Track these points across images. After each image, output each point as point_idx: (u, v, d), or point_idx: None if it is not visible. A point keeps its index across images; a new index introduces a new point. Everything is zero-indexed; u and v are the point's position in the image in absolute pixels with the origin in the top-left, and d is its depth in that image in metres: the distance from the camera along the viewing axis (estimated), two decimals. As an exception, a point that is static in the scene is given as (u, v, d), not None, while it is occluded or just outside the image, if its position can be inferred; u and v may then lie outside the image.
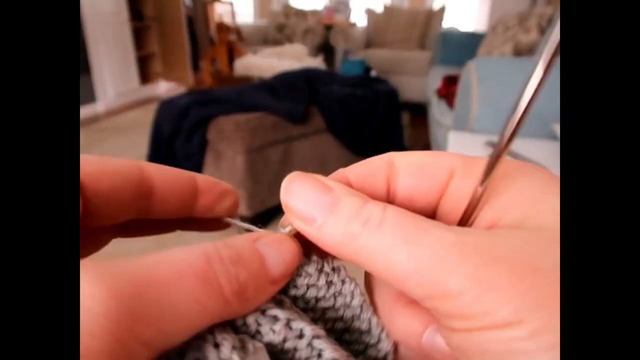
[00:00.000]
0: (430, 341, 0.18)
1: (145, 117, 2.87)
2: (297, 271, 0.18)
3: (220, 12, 5.18)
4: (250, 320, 0.17)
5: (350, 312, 0.19)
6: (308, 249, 0.19)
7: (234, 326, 0.17)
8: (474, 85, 1.41)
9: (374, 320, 0.19)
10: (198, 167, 1.95)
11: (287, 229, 0.19)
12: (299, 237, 0.18)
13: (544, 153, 1.14)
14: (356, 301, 0.19)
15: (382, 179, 0.21)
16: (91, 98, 3.71)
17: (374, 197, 0.19)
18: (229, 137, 1.83)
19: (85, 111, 3.61)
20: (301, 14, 5.07)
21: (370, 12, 4.80)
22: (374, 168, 0.21)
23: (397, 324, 0.19)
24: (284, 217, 0.20)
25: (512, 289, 0.14)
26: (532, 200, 0.17)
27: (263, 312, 0.17)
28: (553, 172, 0.18)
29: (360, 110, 2.26)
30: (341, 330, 0.19)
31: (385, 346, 0.19)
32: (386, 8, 4.79)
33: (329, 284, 0.19)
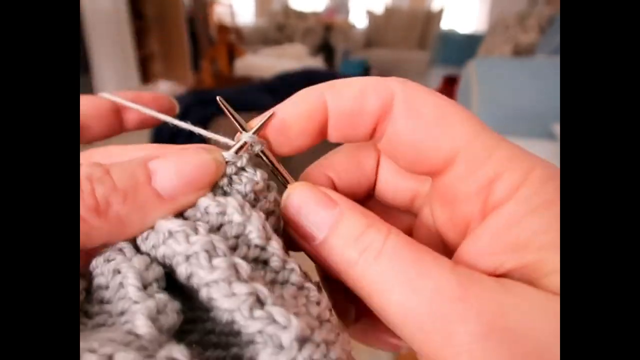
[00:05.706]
0: None
1: (145, 117, 2.86)
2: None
3: (220, 12, 5.18)
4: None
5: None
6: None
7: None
8: (474, 86, 1.41)
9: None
10: (198, 167, 1.94)
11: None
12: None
13: (544, 153, 1.14)
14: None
15: (370, 167, 0.21)
16: (91, 98, 3.70)
17: (362, 187, 0.19)
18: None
19: (85, 111, 3.60)
20: (301, 14, 5.07)
21: (370, 13, 4.80)
22: (360, 159, 0.21)
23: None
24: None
25: None
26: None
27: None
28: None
29: (360, 110, 2.25)
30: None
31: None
32: (386, 9, 4.79)
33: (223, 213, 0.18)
